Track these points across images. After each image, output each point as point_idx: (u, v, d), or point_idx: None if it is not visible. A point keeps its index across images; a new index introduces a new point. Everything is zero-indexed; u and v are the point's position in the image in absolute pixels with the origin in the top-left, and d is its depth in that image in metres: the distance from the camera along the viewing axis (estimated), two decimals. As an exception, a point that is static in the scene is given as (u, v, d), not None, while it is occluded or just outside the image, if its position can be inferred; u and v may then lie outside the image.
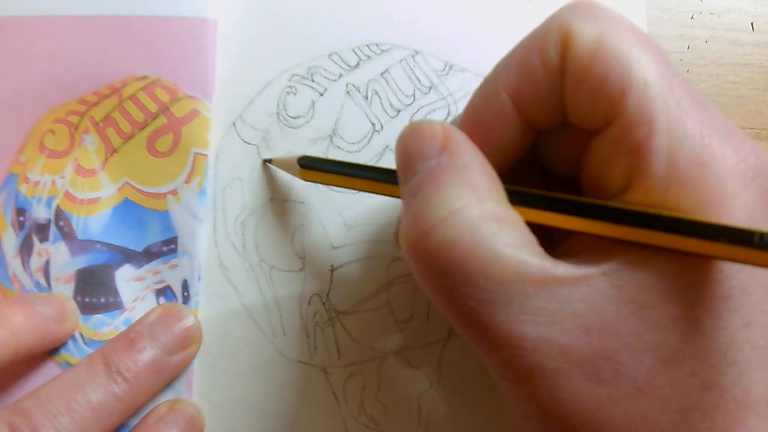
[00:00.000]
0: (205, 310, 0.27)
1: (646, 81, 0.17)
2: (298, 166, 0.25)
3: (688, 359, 0.16)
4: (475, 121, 0.20)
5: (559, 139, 0.21)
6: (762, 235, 0.15)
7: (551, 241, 0.19)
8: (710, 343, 0.16)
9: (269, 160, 0.27)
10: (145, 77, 0.27)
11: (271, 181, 0.27)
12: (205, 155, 0.27)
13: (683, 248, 0.16)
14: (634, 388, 0.16)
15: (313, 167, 0.24)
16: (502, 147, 0.20)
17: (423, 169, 0.18)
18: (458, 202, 0.17)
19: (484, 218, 0.17)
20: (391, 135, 0.28)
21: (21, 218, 0.27)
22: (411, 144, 0.19)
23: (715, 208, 0.16)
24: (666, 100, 0.17)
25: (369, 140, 0.28)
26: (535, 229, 0.18)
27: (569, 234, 0.19)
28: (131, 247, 0.27)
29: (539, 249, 0.17)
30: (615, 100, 0.17)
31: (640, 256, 0.17)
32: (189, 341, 0.25)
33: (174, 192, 0.27)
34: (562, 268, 0.17)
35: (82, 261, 0.27)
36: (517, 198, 0.18)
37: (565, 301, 0.16)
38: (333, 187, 0.27)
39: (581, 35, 0.18)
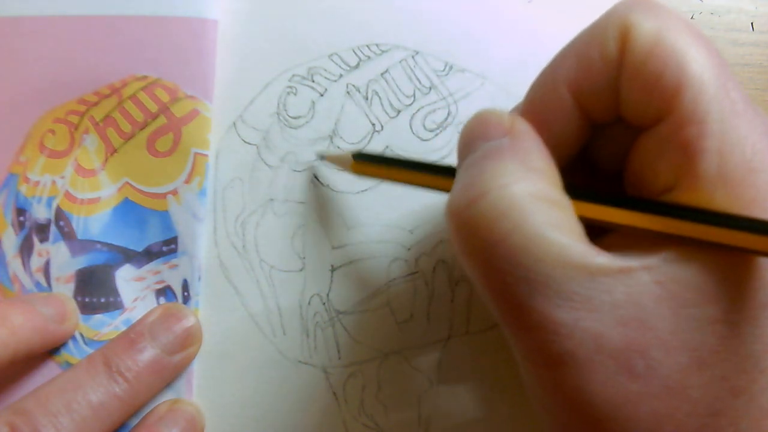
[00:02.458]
0: (205, 310, 0.27)
1: (702, 80, 0.17)
2: (351, 160, 0.24)
3: (722, 363, 0.16)
4: (535, 114, 0.20)
5: (607, 134, 0.21)
6: None
7: (593, 235, 0.18)
8: (745, 348, 0.16)
9: (323, 156, 0.27)
10: (145, 77, 0.27)
11: (271, 182, 0.27)
12: (206, 155, 0.27)
13: (726, 241, 0.16)
14: (664, 386, 0.16)
15: (368, 161, 0.24)
16: (561, 140, 0.20)
17: (484, 147, 0.18)
18: (512, 176, 0.17)
19: (535, 197, 0.17)
20: (391, 135, 0.28)
21: (21, 218, 0.27)
22: (476, 127, 0.19)
23: (762, 214, 0.16)
24: (720, 102, 0.17)
25: (369, 140, 0.28)
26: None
27: (611, 230, 0.18)
28: (131, 247, 0.27)
29: (584, 236, 0.17)
30: (669, 96, 0.17)
31: (684, 254, 0.16)
32: (189, 341, 0.25)
33: (174, 192, 0.27)
34: (605, 258, 0.16)
35: (82, 261, 0.27)
36: (568, 190, 0.18)
37: (606, 291, 0.16)
38: (333, 187, 0.27)
39: (640, 30, 0.18)
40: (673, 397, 0.16)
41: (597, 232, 0.19)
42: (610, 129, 0.20)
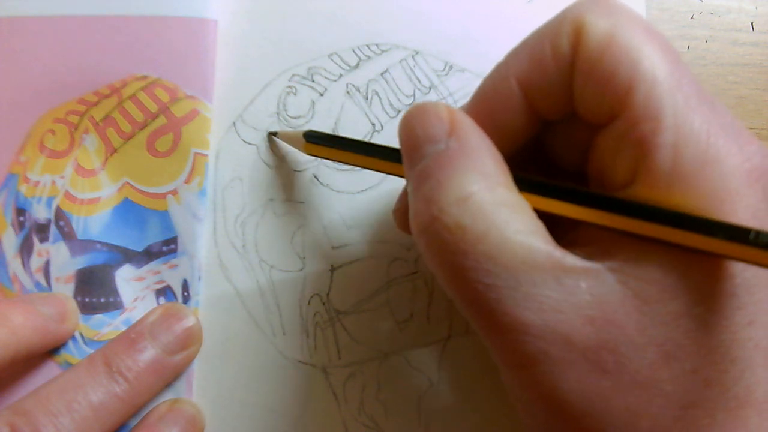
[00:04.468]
0: (205, 310, 0.27)
1: (655, 77, 0.17)
2: (303, 140, 0.25)
3: (691, 356, 0.16)
4: (483, 106, 0.20)
5: (565, 132, 0.21)
6: (758, 233, 0.15)
7: (556, 231, 0.19)
8: (713, 340, 0.16)
9: (275, 133, 0.27)
10: (145, 77, 0.27)
11: (271, 182, 0.27)
12: (205, 155, 0.27)
13: (682, 243, 0.16)
14: (636, 381, 0.16)
15: (319, 142, 0.24)
16: (507, 133, 0.20)
17: (431, 153, 0.18)
18: (470, 187, 0.17)
19: (496, 204, 0.17)
20: (391, 135, 0.28)
21: (21, 218, 0.27)
22: (417, 127, 0.19)
23: (719, 207, 0.16)
24: (674, 97, 0.17)
25: (369, 140, 0.28)
26: (541, 218, 0.18)
27: (575, 225, 0.19)
28: (131, 247, 0.27)
29: (548, 236, 0.17)
30: (623, 93, 0.17)
31: (645, 252, 0.17)
32: (190, 341, 0.25)
33: (174, 192, 0.27)
34: (569, 259, 0.17)
35: (82, 261, 0.27)
36: (524, 185, 0.18)
37: (571, 292, 0.16)
38: (333, 187, 0.27)
39: (594, 28, 0.18)
40: (645, 391, 0.16)
41: (562, 226, 0.19)
42: (569, 127, 0.20)
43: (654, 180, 0.17)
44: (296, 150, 0.27)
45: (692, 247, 0.16)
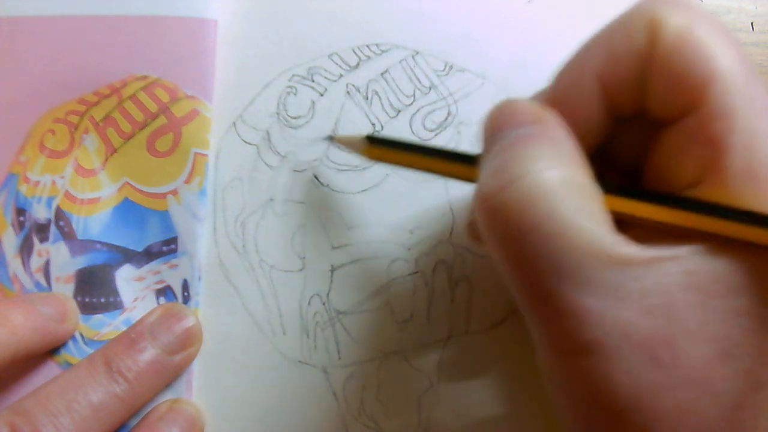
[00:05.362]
0: (205, 310, 0.27)
1: (731, 75, 0.17)
2: (365, 143, 0.24)
3: (747, 356, 0.16)
4: (562, 104, 0.19)
5: (628, 129, 0.20)
6: None
7: (621, 227, 0.19)
8: None
9: (332, 137, 0.27)
10: (145, 77, 0.27)
11: (271, 182, 0.27)
12: (205, 155, 0.27)
13: (757, 240, 0.16)
14: (689, 377, 0.16)
15: (382, 145, 0.23)
16: (586, 132, 0.20)
17: (512, 135, 0.18)
18: (543, 162, 0.17)
19: (568, 184, 0.17)
20: (391, 135, 0.28)
21: (21, 218, 0.27)
22: (504, 115, 0.19)
23: None
24: (747, 98, 0.17)
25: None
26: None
27: (633, 225, 0.18)
28: (131, 247, 0.27)
29: (614, 227, 0.17)
30: (697, 90, 0.17)
31: (712, 247, 0.16)
32: (190, 341, 0.25)
33: (174, 192, 0.27)
34: (634, 248, 0.16)
35: (82, 261, 0.27)
36: (598, 183, 0.18)
37: (634, 280, 0.16)
38: (333, 187, 0.27)
39: (669, 23, 0.18)
40: (697, 388, 0.16)
41: (619, 226, 0.19)
42: (631, 124, 0.20)
43: (725, 180, 0.16)
44: (296, 150, 0.27)
45: (764, 243, 0.16)
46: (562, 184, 0.17)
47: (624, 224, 0.18)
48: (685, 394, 0.16)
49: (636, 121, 0.20)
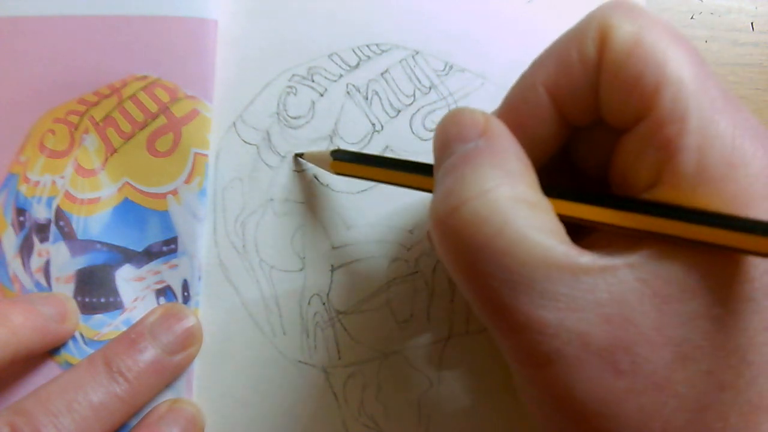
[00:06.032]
0: (205, 310, 0.27)
1: (681, 79, 0.17)
2: (330, 159, 0.24)
3: (707, 357, 0.16)
4: (512, 115, 0.20)
5: (589, 138, 0.21)
6: None
7: (575, 235, 0.19)
8: (730, 343, 0.16)
9: (301, 155, 0.27)
10: (145, 77, 0.27)
11: (271, 182, 0.27)
12: (206, 155, 0.27)
13: (708, 239, 0.16)
14: (651, 381, 0.16)
15: (346, 159, 0.24)
16: (538, 141, 0.20)
17: (460, 151, 0.18)
18: (492, 181, 0.17)
19: (516, 200, 0.17)
20: (391, 135, 0.28)
21: (21, 218, 0.27)
22: (451, 128, 0.19)
23: (743, 209, 0.16)
24: (700, 99, 0.17)
25: (369, 140, 0.28)
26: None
27: (593, 230, 0.19)
28: (131, 247, 0.27)
29: (566, 237, 0.17)
30: (648, 96, 0.17)
31: (665, 251, 0.17)
32: (190, 341, 0.26)
33: (174, 192, 0.27)
34: (587, 257, 0.17)
35: (82, 261, 0.27)
36: (547, 190, 0.18)
37: (588, 290, 0.16)
38: (333, 187, 0.27)
39: (619, 31, 0.18)
40: (660, 392, 0.16)
41: (578, 233, 0.19)
42: (593, 132, 0.20)
43: (678, 182, 0.17)
44: (296, 150, 0.27)
45: (717, 243, 0.16)
46: (510, 200, 0.17)
47: (585, 230, 0.19)
48: (648, 399, 0.16)
49: (598, 129, 0.20)
